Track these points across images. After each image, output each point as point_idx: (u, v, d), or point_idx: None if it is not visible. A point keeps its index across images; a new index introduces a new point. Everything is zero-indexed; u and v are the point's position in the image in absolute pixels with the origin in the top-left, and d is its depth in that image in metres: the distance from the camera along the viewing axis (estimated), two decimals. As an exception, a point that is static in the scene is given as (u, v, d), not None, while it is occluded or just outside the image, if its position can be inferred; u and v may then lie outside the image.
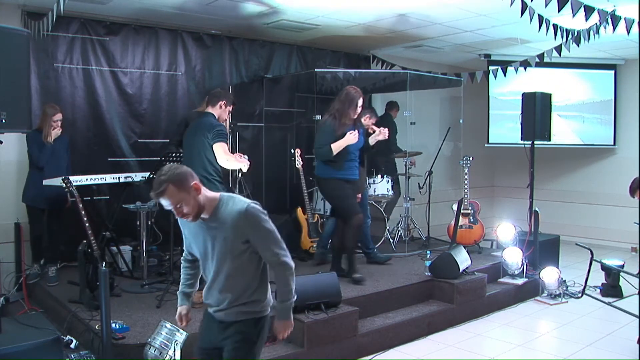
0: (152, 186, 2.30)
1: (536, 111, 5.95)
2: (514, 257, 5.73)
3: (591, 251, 5.21)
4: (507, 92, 8.20)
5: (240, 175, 5.95)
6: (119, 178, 5.11)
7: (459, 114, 7.23)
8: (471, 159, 6.59)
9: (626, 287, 5.62)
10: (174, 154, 4.75)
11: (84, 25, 5.61)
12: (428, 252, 5.46)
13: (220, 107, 4.43)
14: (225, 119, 4.63)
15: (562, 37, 5.41)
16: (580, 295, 5.57)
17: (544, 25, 4.96)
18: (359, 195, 5.39)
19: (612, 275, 5.66)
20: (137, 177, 5.21)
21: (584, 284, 5.31)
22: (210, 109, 4.44)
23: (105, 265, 3.95)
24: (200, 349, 2.54)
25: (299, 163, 6.08)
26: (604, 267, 5.70)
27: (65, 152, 5.10)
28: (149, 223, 5.25)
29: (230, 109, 4.60)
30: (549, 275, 5.59)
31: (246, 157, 4.26)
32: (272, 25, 6.24)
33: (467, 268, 5.26)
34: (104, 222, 5.14)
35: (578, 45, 5.52)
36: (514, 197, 8.87)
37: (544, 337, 4.71)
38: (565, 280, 5.80)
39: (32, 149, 4.89)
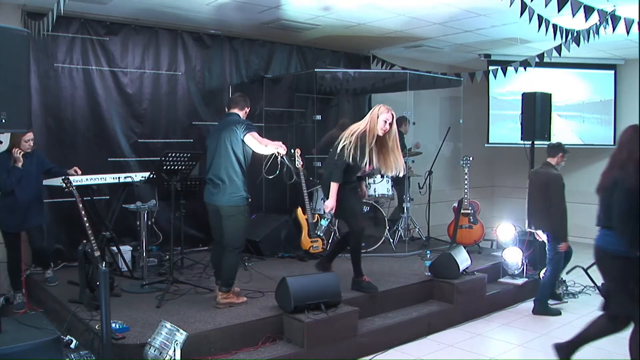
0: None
1: (536, 111, 5.95)
2: (514, 257, 5.73)
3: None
4: (507, 92, 8.20)
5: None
6: (119, 178, 5.11)
7: (459, 114, 7.23)
8: (471, 159, 6.59)
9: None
10: (173, 154, 4.75)
11: (84, 25, 5.62)
12: (428, 252, 5.46)
13: (245, 112, 4.50)
14: None
15: (562, 37, 5.41)
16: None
17: (543, 25, 4.96)
18: None
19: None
20: (137, 177, 5.21)
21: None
22: (236, 110, 4.46)
23: (105, 265, 3.96)
24: None
25: (299, 163, 6.08)
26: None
27: (38, 169, 4.75)
28: (149, 223, 5.26)
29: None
30: (549, 275, 5.59)
31: (279, 142, 4.24)
32: (272, 25, 6.25)
33: (467, 268, 5.26)
34: (104, 222, 5.14)
35: (578, 45, 5.52)
36: (514, 197, 8.86)
37: (544, 337, 4.71)
38: (565, 281, 5.80)
39: (0, 173, 4.51)
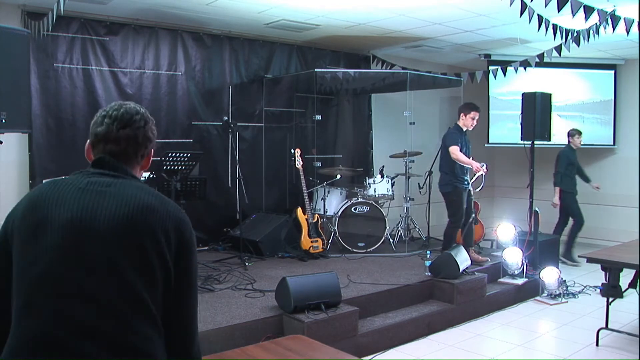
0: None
1: (536, 111, 5.95)
2: (514, 257, 5.73)
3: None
4: (507, 92, 8.20)
5: (239, 175, 5.96)
6: (119, 178, 5.10)
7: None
8: (471, 159, 6.58)
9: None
10: (173, 154, 4.75)
11: (84, 25, 5.61)
12: (428, 252, 5.47)
13: (461, 118, 5.77)
14: (471, 125, 5.79)
15: (562, 37, 5.41)
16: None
17: (543, 25, 4.96)
18: None
19: (612, 275, 5.66)
20: (137, 177, 5.20)
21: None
22: (456, 122, 5.83)
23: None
24: None
25: (299, 163, 6.08)
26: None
27: None
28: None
29: (472, 115, 5.71)
30: (549, 275, 5.59)
31: (483, 166, 5.62)
32: (272, 25, 6.25)
33: (467, 268, 5.26)
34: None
35: (578, 45, 5.52)
36: (514, 197, 8.86)
37: (544, 337, 4.71)
38: (565, 280, 5.81)
39: None
